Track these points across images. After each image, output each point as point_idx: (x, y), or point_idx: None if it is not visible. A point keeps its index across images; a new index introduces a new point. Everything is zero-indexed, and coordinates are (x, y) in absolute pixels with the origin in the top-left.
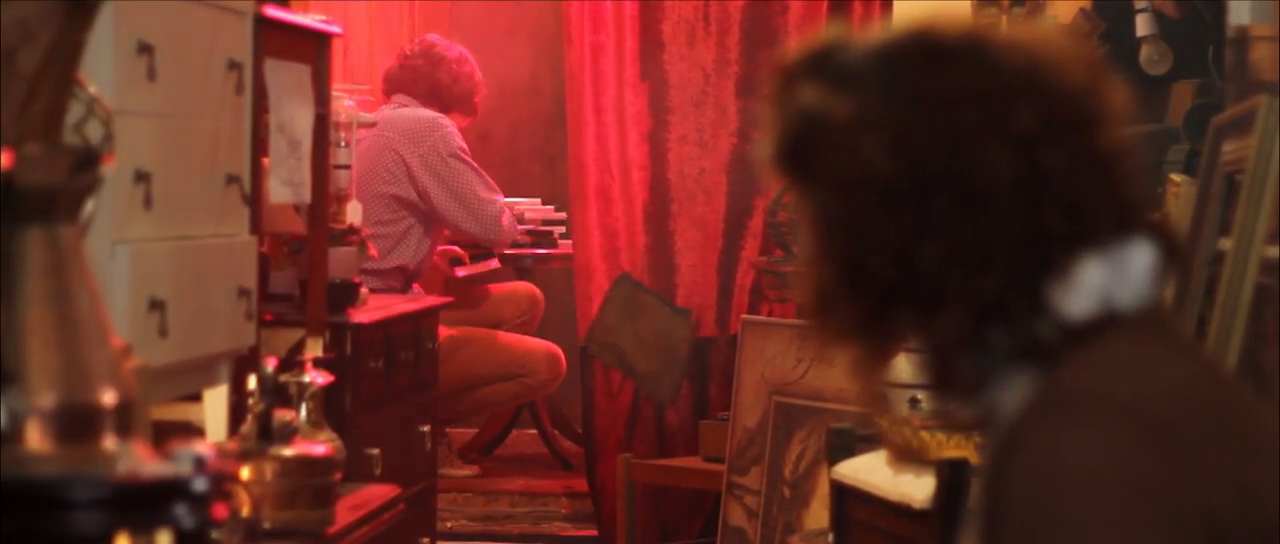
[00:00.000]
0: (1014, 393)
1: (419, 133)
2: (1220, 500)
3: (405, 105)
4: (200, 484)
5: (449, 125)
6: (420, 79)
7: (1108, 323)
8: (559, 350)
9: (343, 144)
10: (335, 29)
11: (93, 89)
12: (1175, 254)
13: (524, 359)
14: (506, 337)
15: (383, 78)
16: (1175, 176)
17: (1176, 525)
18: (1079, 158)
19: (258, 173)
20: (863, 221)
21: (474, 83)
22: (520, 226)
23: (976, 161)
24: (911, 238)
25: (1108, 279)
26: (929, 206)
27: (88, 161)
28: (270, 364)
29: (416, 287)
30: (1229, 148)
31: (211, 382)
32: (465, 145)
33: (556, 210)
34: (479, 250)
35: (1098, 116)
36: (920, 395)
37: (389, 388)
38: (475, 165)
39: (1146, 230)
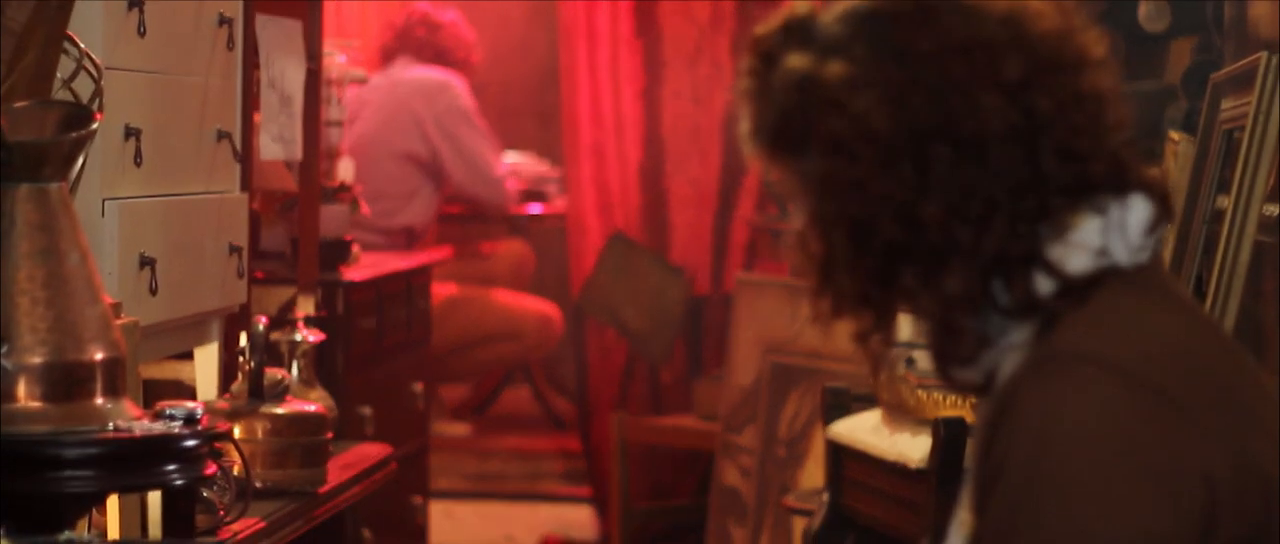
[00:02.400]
0: (1012, 352)
1: (432, 91)
2: (1217, 464)
3: (413, 66)
4: (191, 442)
5: (460, 85)
6: (424, 47)
7: (1106, 280)
8: (553, 311)
9: (334, 100)
10: None
11: (82, 45)
12: (1170, 211)
13: (519, 320)
14: (501, 297)
15: (379, 49)
16: (1174, 134)
17: (1173, 488)
18: (1068, 102)
19: (249, 129)
20: (863, 181)
21: (471, 43)
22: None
23: (971, 111)
24: (914, 194)
25: (1105, 236)
26: (928, 160)
27: (77, 118)
28: (261, 322)
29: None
30: (1228, 105)
31: (202, 340)
32: (475, 105)
33: (551, 167)
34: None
35: (1080, 60)
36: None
37: (381, 346)
38: (484, 128)
39: (1142, 187)
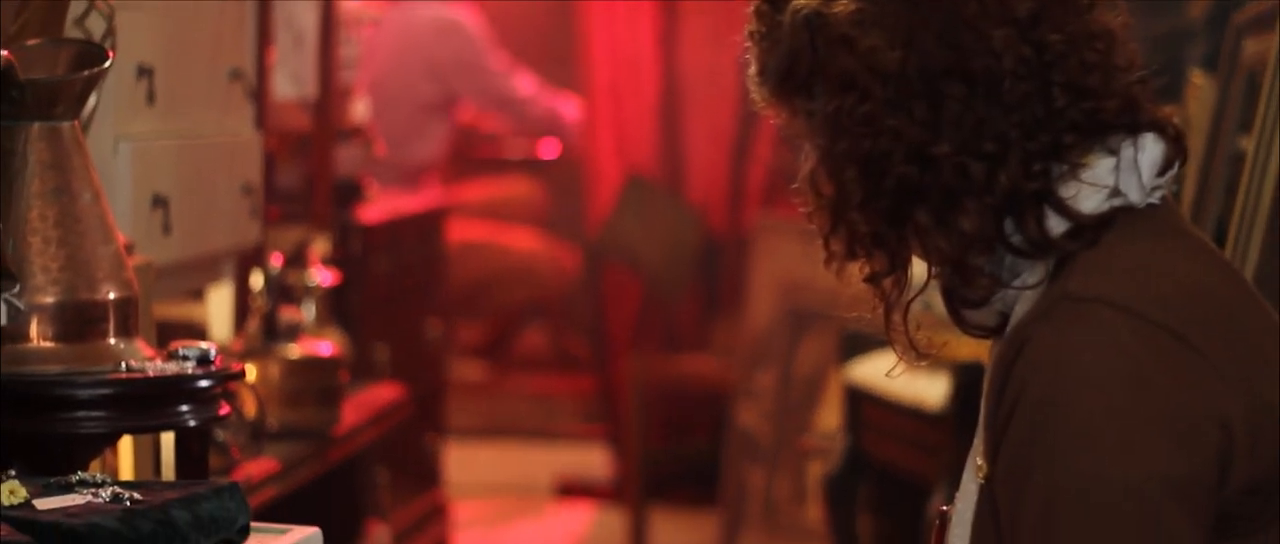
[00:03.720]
0: (1025, 294)
1: (445, 32)
2: (1232, 407)
3: (421, 2)
4: (204, 383)
5: (472, 21)
6: None
7: (1118, 220)
8: (565, 254)
9: (349, 40)
10: None
11: None
12: (1184, 151)
13: (531, 263)
14: (513, 240)
15: None
16: (1195, 75)
17: (1189, 430)
18: (1079, 39)
19: (263, 68)
20: (874, 118)
21: None
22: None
23: (982, 48)
24: (926, 131)
25: (1118, 175)
26: (940, 97)
27: (89, 57)
28: (275, 262)
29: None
30: (1250, 45)
31: (215, 280)
32: (488, 35)
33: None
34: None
35: None
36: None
37: (396, 287)
38: (498, 57)
39: (1155, 126)
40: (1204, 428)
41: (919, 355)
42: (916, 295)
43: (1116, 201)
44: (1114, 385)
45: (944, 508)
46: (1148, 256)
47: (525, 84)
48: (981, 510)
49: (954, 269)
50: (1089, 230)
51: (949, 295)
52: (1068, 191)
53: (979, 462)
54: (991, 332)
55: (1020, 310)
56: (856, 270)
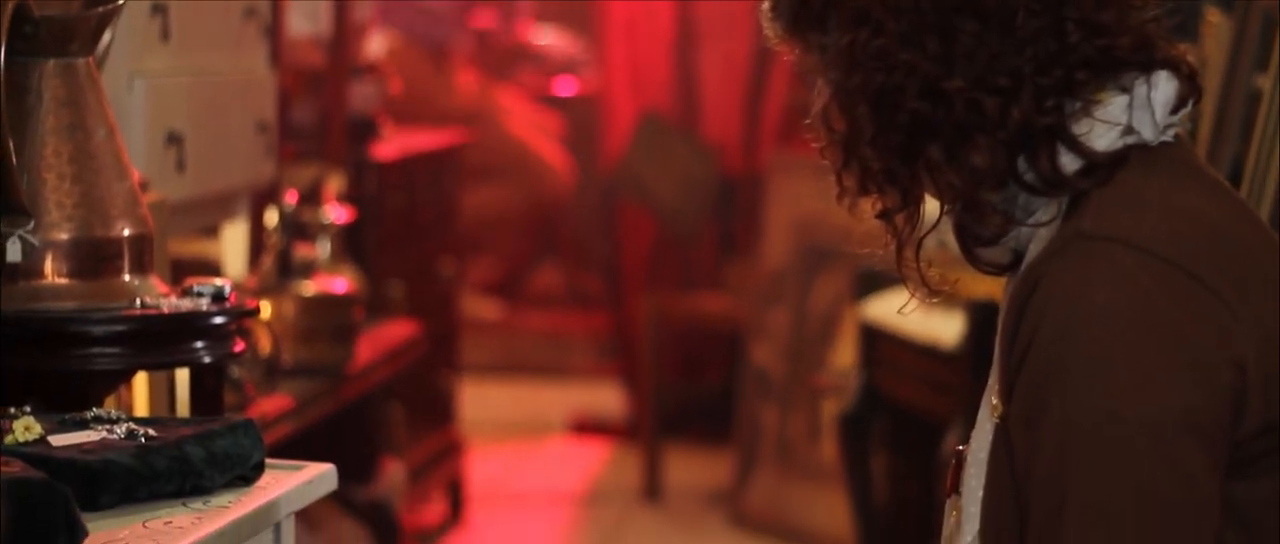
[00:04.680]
0: (1039, 232)
1: None
2: (1246, 345)
3: None
4: (219, 320)
5: None
6: None
7: (1131, 158)
8: (565, 166)
9: None
10: None
11: None
12: (1198, 89)
13: (526, 156)
14: (516, 127)
15: None
16: (1210, 14)
17: (1203, 367)
18: None
19: (277, 5)
20: (888, 53)
21: None
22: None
23: None
24: (939, 66)
25: (1131, 113)
26: (954, 32)
27: None
28: (290, 200)
29: None
30: None
31: (230, 217)
32: None
33: (581, 45)
34: None
35: None
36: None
37: (411, 225)
38: None
39: (1169, 64)
40: (1218, 366)
41: (931, 292)
42: (928, 232)
43: (1130, 139)
44: (1128, 323)
45: (959, 447)
46: (1162, 195)
47: None
48: (997, 449)
49: (966, 206)
50: (1102, 168)
51: (961, 232)
52: (1081, 129)
53: (993, 401)
54: (1005, 269)
55: (1034, 249)
56: (869, 206)
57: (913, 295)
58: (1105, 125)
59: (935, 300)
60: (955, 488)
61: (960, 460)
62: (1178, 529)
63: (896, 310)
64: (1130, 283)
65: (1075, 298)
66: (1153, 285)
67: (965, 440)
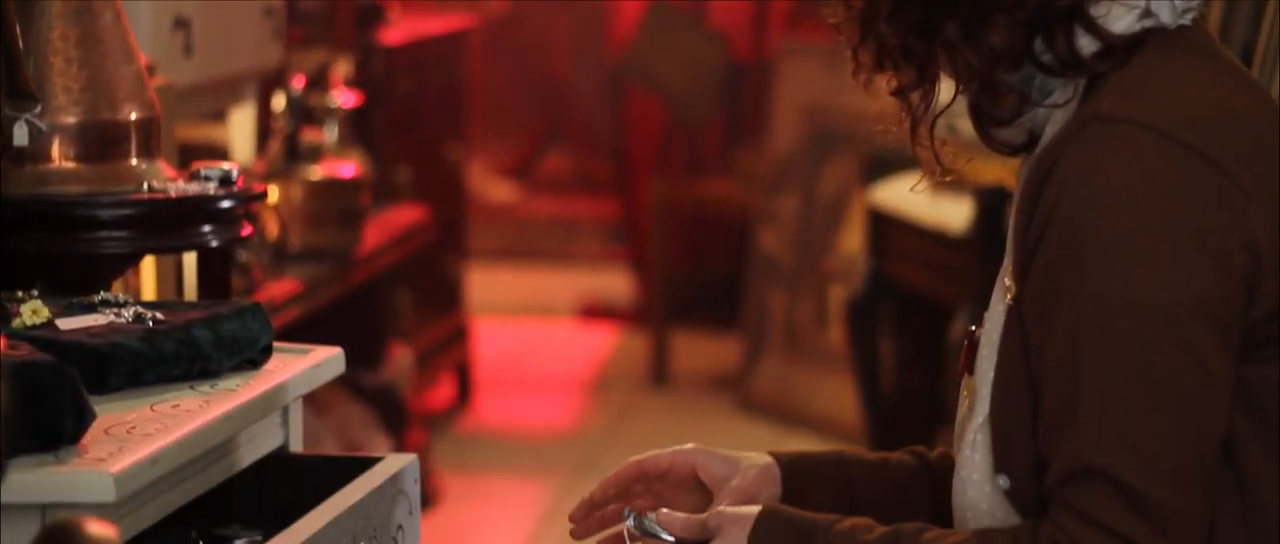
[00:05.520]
0: (1055, 114)
1: None
2: (1261, 228)
3: None
4: (226, 203)
5: None
6: None
7: (1149, 41)
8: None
9: None
10: None
11: None
12: None
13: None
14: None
15: None
16: None
17: (1218, 250)
18: None
19: None
20: None
21: None
22: None
23: None
24: None
25: None
26: None
27: None
28: (297, 84)
29: None
30: None
31: (237, 101)
32: None
33: None
34: None
35: None
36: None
37: (419, 109)
38: None
39: None
40: (1232, 249)
41: (944, 170)
42: (945, 109)
43: (1147, 22)
44: (1144, 206)
45: (972, 329)
46: (1179, 78)
47: None
48: (1009, 332)
49: (982, 85)
50: (1119, 51)
51: (976, 112)
52: (1099, 10)
53: (1007, 283)
54: (1020, 149)
55: (1050, 131)
56: (884, 83)
57: (924, 175)
58: (1123, 8)
59: (948, 179)
60: (968, 369)
61: (973, 342)
62: (1191, 413)
63: (908, 189)
64: (1146, 166)
65: (1091, 181)
66: (1169, 168)
67: (976, 323)
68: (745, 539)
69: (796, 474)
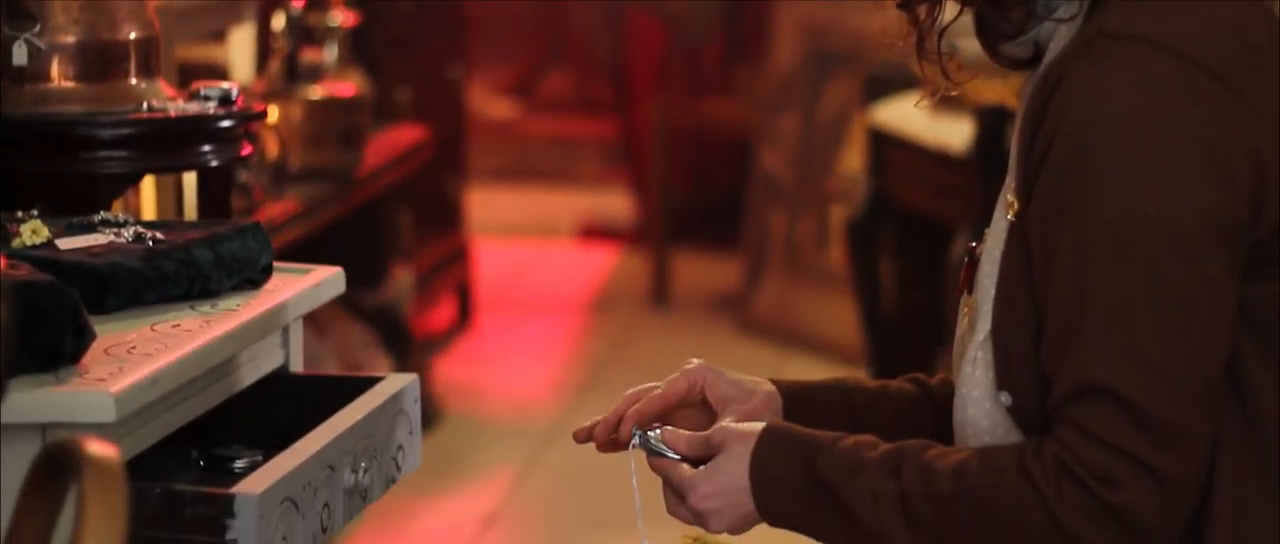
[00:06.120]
0: (1060, 29)
1: None
2: (1267, 143)
3: None
4: (226, 123)
5: None
6: None
7: None
8: None
9: None
10: None
11: None
12: None
13: None
14: None
15: None
16: None
17: (1223, 166)
18: None
19: None
20: None
21: None
22: None
23: None
24: None
25: None
26: None
27: None
28: (297, 4)
29: None
30: None
31: (237, 21)
32: None
33: None
34: None
35: None
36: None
37: (419, 28)
38: None
39: None
40: (1238, 165)
41: (950, 83)
42: (951, 22)
43: None
44: (1149, 122)
45: (973, 246)
46: None
47: None
48: (1011, 248)
49: (988, 5)
50: None
51: (982, 25)
52: None
53: (1010, 199)
54: (1025, 64)
55: (1055, 46)
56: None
57: (928, 88)
58: None
59: (954, 93)
60: (968, 287)
61: (974, 259)
62: (1196, 329)
63: (911, 106)
64: (1152, 82)
65: (1097, 97)
66: (1175, 85)
67: (978, 240)
68: (749, 455)
69: (797, 401)
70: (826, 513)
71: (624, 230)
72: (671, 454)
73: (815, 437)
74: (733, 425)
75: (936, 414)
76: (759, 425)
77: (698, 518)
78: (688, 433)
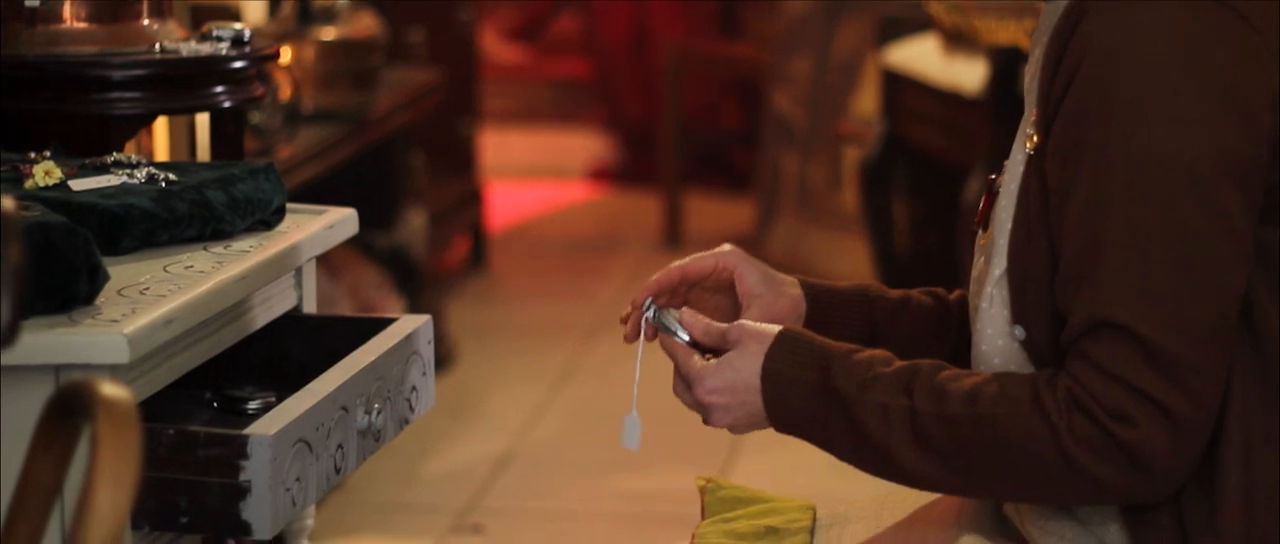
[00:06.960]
0: None
1: None
2: None
3: None
4: (239, 64)
5: None
6: None
7: None
8: None
9: None
10: None
11: None
12: None
13: None
14: None
15: None
16: None
17: (1243, 105)
18: None
19: None
20: None
21: None
22: None
23: None
24: None
25: None
26: None
27: None
28: None
29: None
30: None
31: None
32: None
33: None
34: None
35: None
36: None
37: None
38: None
39: None
40: (1259, 108)
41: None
42: None
43: None
44: (1170, 61)
45: (991, 178)
46: None
47: None
48: (1028, 181)
49: None
50: None
51: None
52: None
53: (1029, 131)
54: None
55: None
56: None
57: (939, 40)
58: None
59: (962, 46)
60: (984, 222)
61: (991, 192)
62: (1211, 269)
63: (922, 57)
64: (1174, 21)
65: (1118, 35)
66: (1197, 24)
67: (996, 172)
68: (762, 356)
69: (820, 305)
70: (834, 422)
71: (636, 172)
72: (682, 334)
73: (831, 346)
74: (750, 324)
75: (953, 328)
76: (776, 328)
77: (702, 410)
78: (706, 321)
